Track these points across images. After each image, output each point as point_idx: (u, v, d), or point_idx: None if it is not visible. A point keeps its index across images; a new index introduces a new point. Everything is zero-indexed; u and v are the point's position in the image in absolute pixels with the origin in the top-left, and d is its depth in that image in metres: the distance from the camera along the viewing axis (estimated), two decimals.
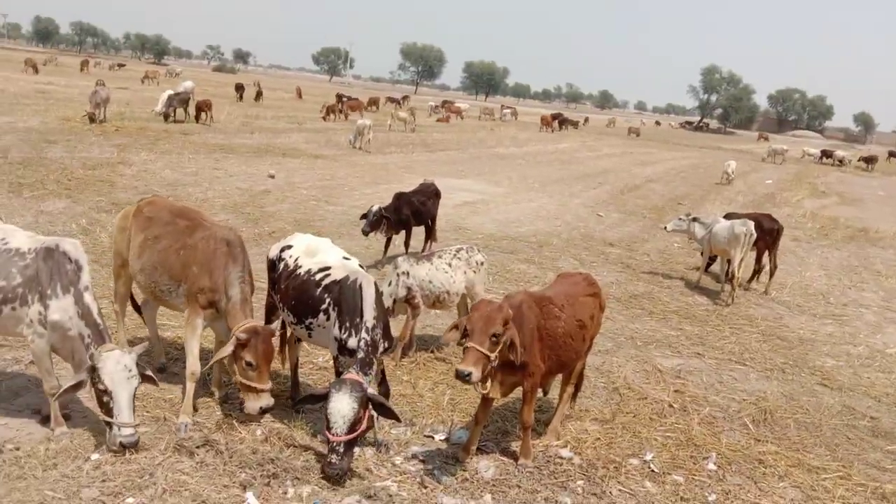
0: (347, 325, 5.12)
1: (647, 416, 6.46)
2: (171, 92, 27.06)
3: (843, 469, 5.86)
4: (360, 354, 4.99)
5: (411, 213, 11.08)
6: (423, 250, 11.16)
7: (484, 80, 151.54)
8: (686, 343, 8.78)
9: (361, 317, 5.08)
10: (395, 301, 7.18)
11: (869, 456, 6.24)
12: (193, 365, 5.34)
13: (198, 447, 4.80)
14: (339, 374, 5.25)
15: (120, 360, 4.68)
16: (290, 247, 5.86)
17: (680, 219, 12.23)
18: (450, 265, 7.47)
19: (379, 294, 5.40)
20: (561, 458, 5.44)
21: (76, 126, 21.43)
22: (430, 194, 11.66)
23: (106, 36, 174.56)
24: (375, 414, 4.94)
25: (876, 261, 15.70)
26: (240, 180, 16.32)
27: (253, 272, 5.68)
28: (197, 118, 26.89)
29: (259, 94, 44.43)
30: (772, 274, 11.81)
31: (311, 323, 5.40)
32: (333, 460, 4.62)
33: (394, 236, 11.17)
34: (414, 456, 5.23)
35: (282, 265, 5.76)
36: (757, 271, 11.96)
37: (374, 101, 51.04)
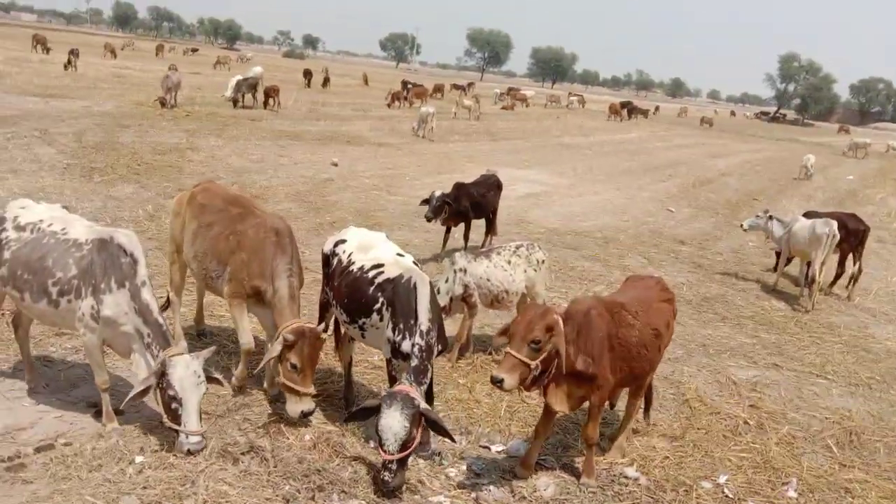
0: (401, 326, 4.85)
1: (721, 434, 6.01)
2: (239, 77, 27.46)
3: None
4: (415, 361, 4.71)
5: (470, 204, 10.69)
6: (482, 245, 10.86)
7: (551, 67, 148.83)
8: (762, 352, 8.22)
9: (416, 319, 4.80)
10: (451, 299, 6.87)
11: None
12: (245, 339, 5.45)
13: (243, 454, 4.63)
14: (391, 378, 5.03)
15: (190, 366, 4.55)
16: (343, 241, 5.63)
17: (757, 216, 11.55)
18: (509, 262, 7.14)
19: (434, 294, 5.14)
20: (626, 477, 5.08)
21: (148, 111, 21.94)
22: (490, 186, 11.28)
23: (181, 21, 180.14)
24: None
25: None
26: (304, 168, 16.34)
27: (307, 264, 5.49)
28: (265, 104, 27.22)
29: (326, 81, 44.84)
30: (856, 279, 11.04)
31: (363, 323, 5.17)
32: (387, 478, 4.41)
33: (453, 228, 10.88)
34: (469, 468, 4.96)
35: (335, 260, 5.54)
36: (839, 275, 11.21)
37: (438, 88, 50.79)
